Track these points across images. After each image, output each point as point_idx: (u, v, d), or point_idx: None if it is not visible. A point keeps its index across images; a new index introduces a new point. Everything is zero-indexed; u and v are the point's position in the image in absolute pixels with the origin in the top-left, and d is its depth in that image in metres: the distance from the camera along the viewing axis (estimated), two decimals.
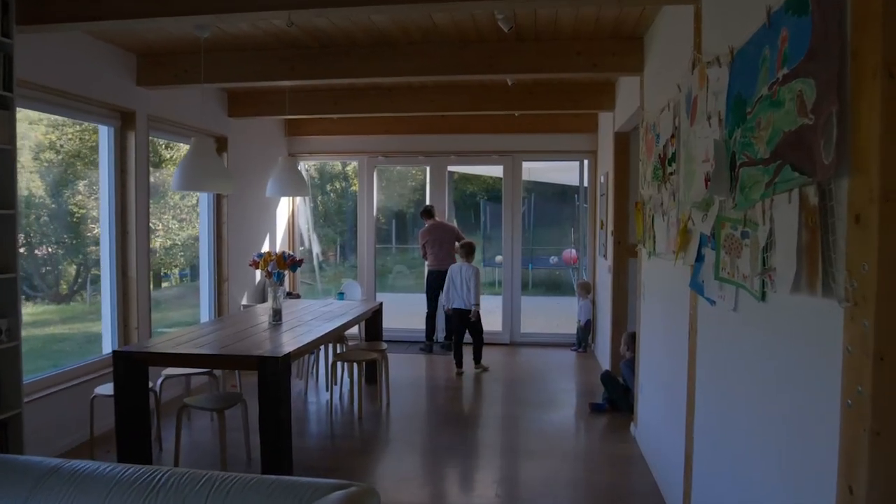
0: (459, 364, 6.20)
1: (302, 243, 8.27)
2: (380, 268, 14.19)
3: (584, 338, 7.10)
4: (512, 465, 4.05)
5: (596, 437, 4.46)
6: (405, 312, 9.16)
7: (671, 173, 3.20)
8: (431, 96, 5.80)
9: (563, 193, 16.40)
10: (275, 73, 4.54)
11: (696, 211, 2.62)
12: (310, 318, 4.78)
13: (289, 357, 3.54)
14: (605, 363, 6.03)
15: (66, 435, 4.03)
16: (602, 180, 6.58)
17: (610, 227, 5.90)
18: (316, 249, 8.55)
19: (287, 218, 7.67)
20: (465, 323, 6.19)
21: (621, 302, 5.69)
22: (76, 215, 7.28)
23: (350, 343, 5.69)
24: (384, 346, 5.31)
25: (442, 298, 6.56)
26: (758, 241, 1.98)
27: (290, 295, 7.05)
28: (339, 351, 5.49)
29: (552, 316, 10.11)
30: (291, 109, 5.91)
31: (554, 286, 14.04)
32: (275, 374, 3.43)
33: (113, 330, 4.71)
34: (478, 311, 6.16)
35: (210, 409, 3.57)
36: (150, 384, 3.84)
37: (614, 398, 4.90)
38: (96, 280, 7.60)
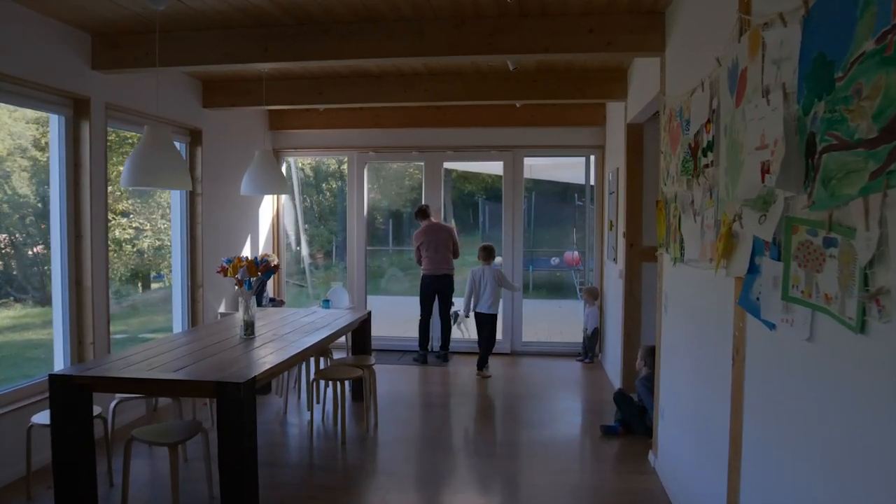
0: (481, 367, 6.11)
1: (290, 245, 7.75)
2: (376, 269, 13.68)
3: (590, 347, 6.58)
4: (513, 502, 3.53)
5: (609, 467, 3.93)
6: (399, 318, 8.65)
7: (706, 165, 2.68)
8: (425, 84, 5.28)
9: (563, 192, 15.90)
10: (246, 54, 4.01)
11: (750, 211, 2.09)
12: (287, 331, 4.26)
13: (253, 382, 3.01)
14: (615, 376, 5.51)
15: (0, 469, 3.50)
16: (611, 177, 6.06)
17: (621, 229, 5.38)
18: (305, 251, 8.01)
19: (271, 218, 7.14)
20: (484, 327, 6.12)
21: (633, 310, 5.16)
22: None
23: (335, 356, 5.17)
24: (372, 360, 4.78)
25: (459, 305, 6.37)
26: (853, 251, 1.46)
27: (273, 301, 6.53)
28: (322, 366, 4.97)
29: (555, 321, 9.59)
30: (270, 99, 5.38)
31: (555, 288, 13.53)
32: (237, 402, 2.90)
33: (65, 346, 4.18)
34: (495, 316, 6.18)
35: (160, 444, 3.04)
36: (99, 410, 3.32)
37: (628, 420, 4.38)
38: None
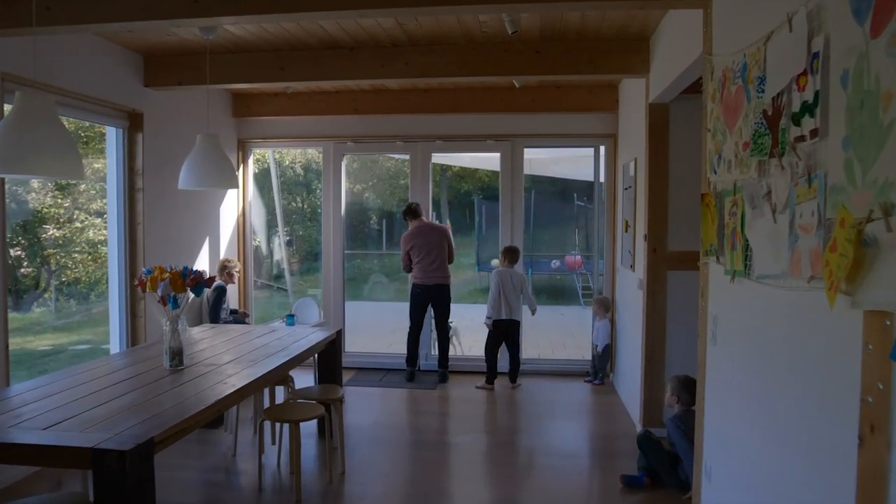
0: (492, 379, 5.57)
1: (260, 249, 6.88)
2: (367, 272, 12.82)
3: (601, 367, 5.72)
4: None
5: None
6: (384, 327, 7.79)
7: (799, 138, 1.82)
8: (406, 57, 4.41)
9: (564, 190, 15.07)
10: (172, 7, 3.13)
11: None
12: (229, 359, 3.40)
13: (150, 447, 2.14)
14: (632, 404, 4.65)
15: None
16: (625, 170, 5.20)
17: (640, 230, 4.53)
18: (278, 256, 7.13)
19: (236, 218, 6.27)
20: (507, 335, 5.58)
21: (657, 329, 4.30)
22: (40, 213, 6.30)
23: (298, 384, 4.29)
24: (340, 392, 3.91)
25: (488, 309, 5.64)
26: None
27: (235, 315, 5.65)
28: (280, 397, 4.10)
29: (556, 330, 8.73)
30: (223, 76, 4.51)
31: (556, 293, 12.67)
32: (119, 478, 2.04)
33: None
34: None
35: None
36: None
37: (656, 469, 3.52)
38: (65, 287, 6.44)
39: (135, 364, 3.28)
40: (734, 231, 2.38)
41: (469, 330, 6.95)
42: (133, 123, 4.67)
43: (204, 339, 3.98)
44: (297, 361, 3.64)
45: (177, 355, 3.14)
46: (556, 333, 8.42)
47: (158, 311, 4.89)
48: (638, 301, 4.55)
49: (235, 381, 2.96)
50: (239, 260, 6.25)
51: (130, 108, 4.59)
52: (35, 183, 6.36)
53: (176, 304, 3.04)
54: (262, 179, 7.72)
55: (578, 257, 12.57)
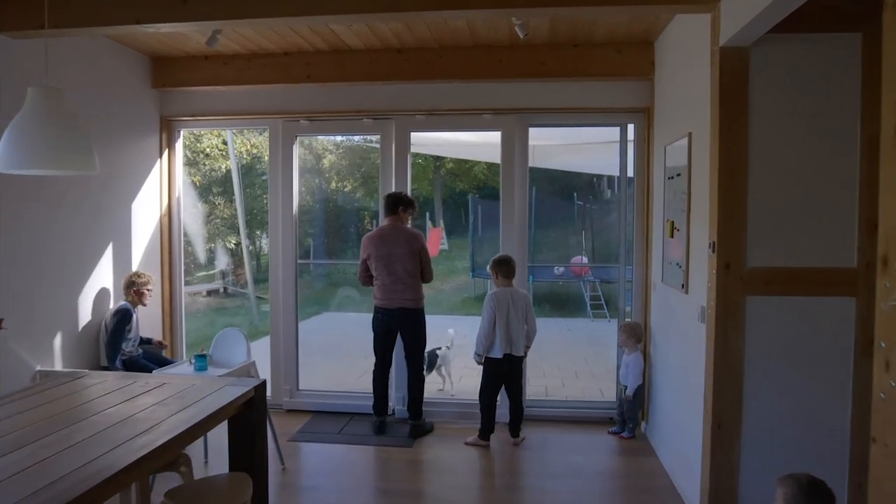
0: (488, 434, 4.16)
1: (195, 260, 5.47)
2: (353, 280, 11.44)
3: (631, 415, 4.33)
4: None
5: None
6: (353, 350, 6.42)
7: None
8: None
9: (569, 186, 13.70)
10: None
11: None
12: (54, 453, 2.00)
13: None
14: (684, 481, 3.28)
15: None
16: (674, 153, 3.82)
17: (700, 235, 3.16)
18: (221, 265, 5.72)
19: (159, 218, 4.87)
20: (508, 377, 4.15)
21: (731, 380, 2.91)
22: None
23: (209, 463, 2.88)
24: (249, 492, 2.51)
25: (479, 343, 4.16)
26: None
27: (147, 346, 4.28)
28: (163, 487, 2.68)
29: (566, 351, 7.36)
30: (71, 15, 3.11)
31: (560, 303, 11.28)
32: None
33: None
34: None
35: None
36: None
37: None
38: None
39: None
40: None
41: (462, 351, 5.55)
42: None
43: (64, 392, 2.60)
44: (186, 438, 2.29)
45: None
46: (564, 356, 7.04)
47: (30, 346, 3.51)
48: (696, 336, 3.17)
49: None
50: (165, 272, 4.86)
51: None
52: None
53: None
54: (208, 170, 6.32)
55: (585, 261, 11.20)
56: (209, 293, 12.34)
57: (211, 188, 12.71)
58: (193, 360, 3.41)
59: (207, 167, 12.54)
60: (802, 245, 2.84)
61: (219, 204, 12.48)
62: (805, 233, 2.84)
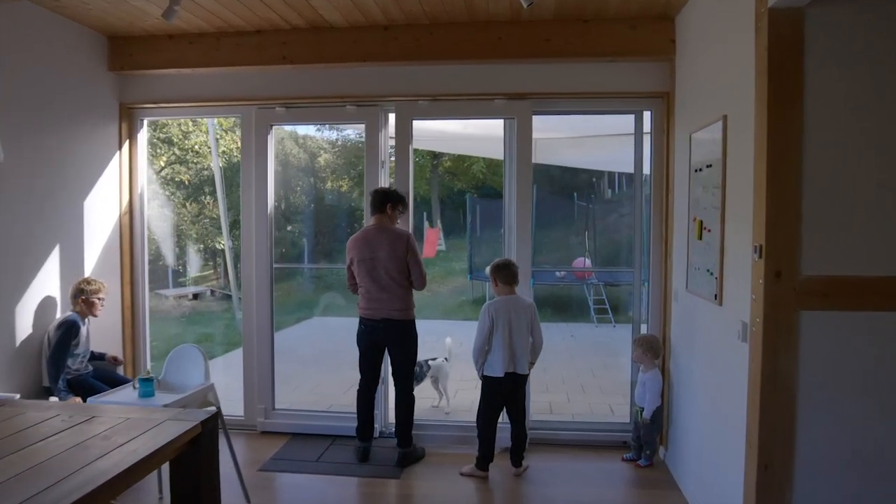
0: (487, 463, 3.64)
1: (164, 264, 4.96)
2: (333, 284, 10.94)
3: (649, 441, 3.82)
4: None
5: None
6: (342, 358, 5.91)
7: None
8: None
9: (571, 184, 13.21)
10: None
11: None
12: None
13: None
14: None
15: None
16: (703, 142, 3.32)
17: (742, 237, 2.65)
18: (193, 272, 5.21)
19: (118, 218, 4.35)
20: (510, 398, 3.63)
21: (781, 412, 2.40)
22: None
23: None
24: None
25: (475, 355, 3.66)
26: None
27: (98, 361, 3.77)
28: None
29: (571, 360, 6.85)
30: None
31: (562, 307, 10.76)
32: None
33: None
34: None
35: None
36: None
37: None
38: None
39: None
40: None
41: (458, 360, 5.04)
42: None
43: None
44: (106, 494, 1.78)
45: None
46: (569, 367, 6.53)
47: None
48: (733, 357, 2.66)
49: None
50: (126, 277, 4.34)
51: None
52: None
53: None
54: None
55: (588, 263, 10.70)
56: (195, 296, 11.82)
57: (202, 187, 12.20)
58: (137, 385, 2.89)
59: (198, 165, 12.04)
60: (870, 250, 2.32)
61: (208, 203, 11.97)
62: (873, 235, 2.32)
